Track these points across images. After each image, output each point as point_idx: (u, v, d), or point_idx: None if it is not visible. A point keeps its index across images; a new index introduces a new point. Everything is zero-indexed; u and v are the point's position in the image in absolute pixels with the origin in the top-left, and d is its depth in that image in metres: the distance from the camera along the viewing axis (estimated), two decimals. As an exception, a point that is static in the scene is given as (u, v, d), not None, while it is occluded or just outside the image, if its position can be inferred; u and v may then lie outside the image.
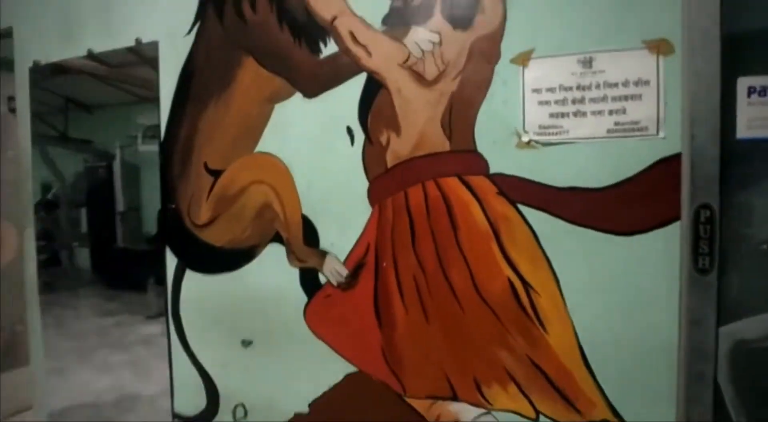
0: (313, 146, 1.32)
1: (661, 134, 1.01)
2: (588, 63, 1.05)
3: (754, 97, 0.90)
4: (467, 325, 1.19)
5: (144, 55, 1.62)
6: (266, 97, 1.37)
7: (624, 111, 1.03)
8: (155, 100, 1.55)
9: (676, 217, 0.99)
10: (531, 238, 1.12)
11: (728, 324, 0.96)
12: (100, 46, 1.60)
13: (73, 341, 2.53)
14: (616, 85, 1.04)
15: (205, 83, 1.46)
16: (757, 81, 0.89)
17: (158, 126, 2.07)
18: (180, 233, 1.53)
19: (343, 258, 1.31)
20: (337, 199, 1.30)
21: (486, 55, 1.13)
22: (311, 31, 1.30)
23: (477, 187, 1.16)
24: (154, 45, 1.53)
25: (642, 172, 1.02)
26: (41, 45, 1.72)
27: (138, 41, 1.55)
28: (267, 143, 1.38)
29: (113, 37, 1.57)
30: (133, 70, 1.69)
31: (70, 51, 1.66)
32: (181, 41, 1.48)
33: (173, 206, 1.54)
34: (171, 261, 1.57)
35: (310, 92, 1.32)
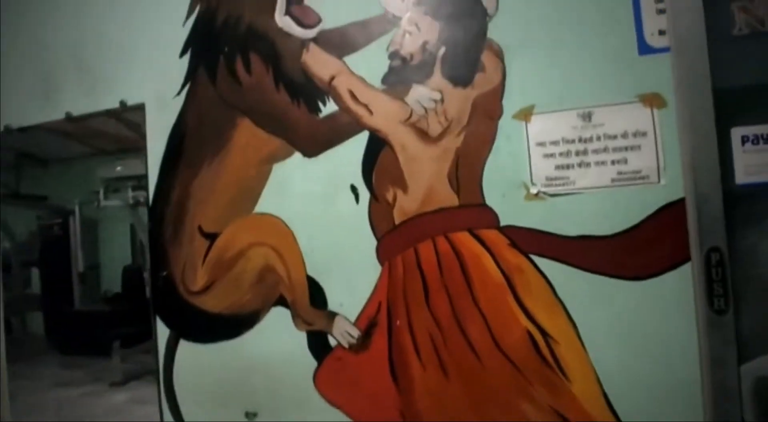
0: (315, 205, 1.32)
1: (663, 182, 1.07)
2: (587, 117, 1.11)
3: (748, 145, 0.97)
4: (488, 379, 1.18)
5: (121, 117, 1.59)
6: (264, 158, 1.37)
7: (625, 161, 1.09)
8: (142, 157, 1.52)
9: (686, 259, 1.04)
10: (546, 288, 1.13)
11: (748, 362, 0.99)
12: (80, 109, 1.56)
13: (29, 416, 2.31)
14: (615, 136, 1.10)
15: (197, 145, 1.44)
16: (750, 130, 0.96)
17: (122, 179, 1.99)
18: (173, 301, 1.47)
19: (353, 318, 1.28)
20: (343, 258, 1.29)
21: (488, 111, 1.18)
22: (309, 90, 1.32)
23: (488, 239, 1.18)
24: (140, 107, 1.51)
25: (648, 218, 1.07)
26: (14, 108, 1.66)
27: (122, 103, 1.52)
28: (266, 204, 1.37)
29: (95, 100, 1.53)
30: (95, 123, 1.65)
31: (46, 114, 1.61)
32: (170, 103, 1.46)
33: (165, 273, 1.48)
34: (162, 332, 1.49)
35: (311, 151, 1.32)
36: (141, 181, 1.80)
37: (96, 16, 1.52)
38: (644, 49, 1.08)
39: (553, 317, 1.13)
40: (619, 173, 1.09)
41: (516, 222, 1.16)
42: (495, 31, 1.17)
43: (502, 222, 1.16)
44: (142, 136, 1.53)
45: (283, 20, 1.34)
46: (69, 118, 1.59)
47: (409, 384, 1.23)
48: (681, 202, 1.04)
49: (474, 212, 1.19)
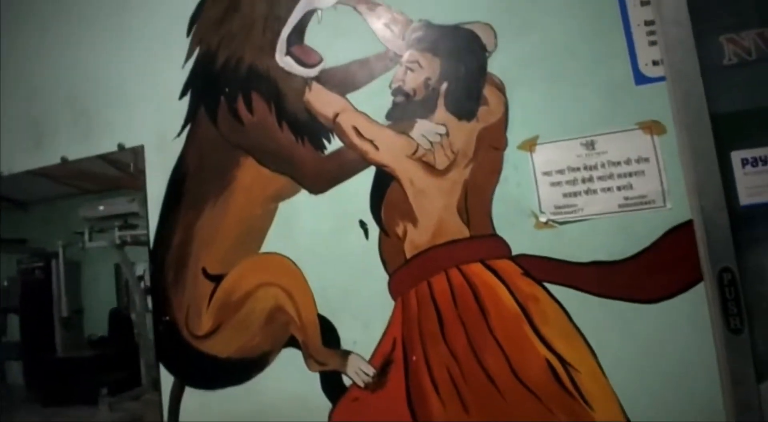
0: (324, 242, 1.32)
1: (668, 205, 1.11)
2: (591, 145, 1.16)
3: (748, 167, 1.02)
4: (510, 411, 1.17)
5: (115, 160, 1.59)
6: (269, 196, 1.37)
7: (631, 186, 1.13)
8: (128, 195, 1.51)
9: (696, 280, 1.07)
10: (562, 316, 1.15)
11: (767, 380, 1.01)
12: (76, 153, 1.55)
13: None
14: (619, 163, 1.14)
15: (199, 186, 1.44)
16: (749, 153, 1.02)
17: (108, 219, 1.98)
18: (177, 347, 1.43)
19: (367, 356, 1.27)
20: (355, 295, 1.29)
21: (494, 143, 1.21)
22: (313, 128, 1.34)
23: (501, 270, 1.19)
24: (139, 149, 1.51)
25: (657, 241, 1.11)
26: (6, 155, 1.64)
27: (121, 146, 1.52)
28: (273, 243, 1.37)
29: (91, 144, 1.53)
30: (79, 163, 1.64)
31: (41, 160, 1.59)
32: (170, 144, 1.47)
33: (167, 318, 1.45)
34: (166, 381, 1.45)
35: (317, 188, 1.33)
36: (128, 219, 1.79)
37: (92, 59, 1.54)
38: (640, 79, 1.14)
39: (571, 345, 1.14)
40: (626, 199, 1.13)
41: (527, 251, 1.18)
42: (495, 66, 1.22)
43: (514, 252, 1.19)
44: (130, 175, 1.52)
45: (284, 60, 1.38)
46: (64, 162, 1.58)
47: (429, 421, 1.22)
48: (688, 224, 1.08)
49: (485, 243, 1.21)
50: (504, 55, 1.22)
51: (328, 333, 1.30)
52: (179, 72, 1.47)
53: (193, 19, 1.47)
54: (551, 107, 1.18)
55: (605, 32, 1.16)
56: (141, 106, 1.49)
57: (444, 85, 1.25)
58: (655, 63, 1.14)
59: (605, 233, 1.14)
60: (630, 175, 1.13)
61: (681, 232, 1.09)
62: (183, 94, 1.46)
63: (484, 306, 1.20)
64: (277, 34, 1.38)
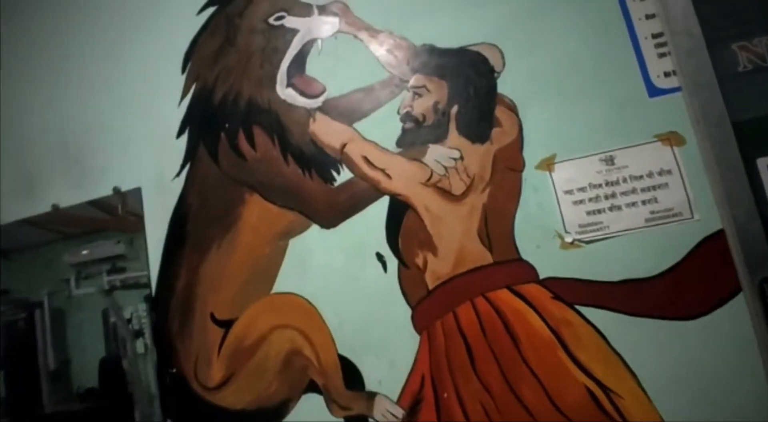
0: (340, 278, 1.27)
1: (696, 216, 1.09)
2: (610, 160, 1.14)
3: (776, 174, 1.01)
4: (551, 447, 1.12)
5: (101, 203, 1.53)
6: (279, 234, 1.32)
7: (656, 200, 1.11)
8: (115, 238, 1.45)
9: (733, 292, 1.05)
10: (598, 339, 1.11)
11: (819, 393, 0.98)
12: (70, 200, 1.49)
13: None
14: (641, 177, 1.13)
15: (203, 227, 1.39)
16: (775, 160, 1.01)
17: (95, 263, 1.91)
18: (186, 402, 1.35)
19: (395, 396, 1.21)
20: (377, 331, 1.23)
21: (510, 164, 1.19)
22: (321, 160, 1.31)
23: (530, 295, 1.15)
24: (136, 192, 1.45)
25: (689, 255, 1.08)
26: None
27: (116, 190, 1.46)
28: (285, 282, 1.31)
29: (85, 189, 1.47)
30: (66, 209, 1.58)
31: (33, 208, 1.53)
32: (169, 185, 1.42)
33: (174, 370, 1.37)
34: (176, 437, 1.36)
35: (329, 222, 1.29)
36: (116, 263, 1.73)
37: (84, 103, 1.50)
38: (653, 91, 1.14)
39: (610, 369, 1.10)
40: (652, 213, 1.11)
41: (555, 273, 1.14)
42: (505, 87, 1.21)
43: (541, 275, 1.15)
44: (117, 217, 1.47)
45: (285, 92, 1.35)
46: (56, 210, 1.51)
47: (465, 461, 1.16)
48: (718, 234, 1.06)
49: (511, 268, 1.17)
50: (513, 75, 1.21)
51: (351, 374, 1.24)
52: (176, 110, 1.43)
53: (188, 56, 1.44)
54: (566, 125, 1.17)
55: (613, 47, 1.16)
56: (137, 147, 1.45)
57: (454, 109, 1.23)
58: (666, 74, 1.14)
59: (634, 249, 1.11)
60: (654, 188, 1.12)
61: (712, 243, 1.07)
62: (180, 133, 1.42)
63: (515, 334, 1.15)
64: (277, 66, 1.36)
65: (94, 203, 1.58)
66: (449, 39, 1.25)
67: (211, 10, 1.43)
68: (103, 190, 1.45)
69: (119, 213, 1.52)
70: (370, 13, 1.31)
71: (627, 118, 1.14)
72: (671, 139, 1.12)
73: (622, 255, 1.12)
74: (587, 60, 1.18)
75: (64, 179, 1.48)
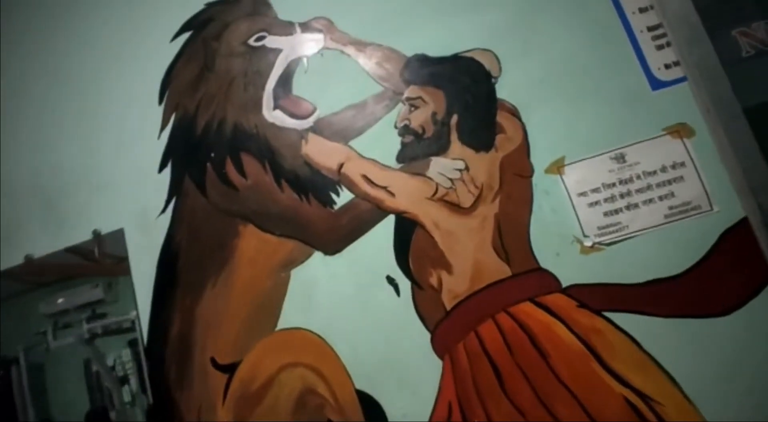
0: (349, 307, 1.20)
1: (716, 208, 1.06)
2: (621, 158, 1.11)
3: (793, 157, 0.99)
4: (594, 466, 1.05)
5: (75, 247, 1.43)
6: (279, 265, 1.24)
7: (672, 194, 1.08)
8: (93, 283, 1.34)
9: (765, 282, 1.01)
10: (630, 345, 1.06)
11: None
12: (47, 248, 1.38)
13: None
14: (655, 172, 1.10)
15: (195, 265, 1.30)
16: (791, 144, 0.99)
17: (74, 311, 1.79)
18: (191, 457, 1.24)
19: (422, 428, 1.13)
20: (395, 360, 1.16)
21: (518, 170, 1.15)
22: (318, 183, 1.24)
23: (554, 305, 1.10)
24: (118, 234, 1.35)
25: (713, 248, 1.05)
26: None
27: (96, 233, 1.36)
28: (290, 317, 1.23)
29: (63, 235, 1.37)
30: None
31: (3, 260, 1.41)
32: (154, 223, 1.33)
33: (175, 427, 1.26)
34: None
35: (332, 248, 1.22)
36: (95, 309, 1.62)
37: (55, 143, 1.40)
38: (656, 84, 1.12)
39: (647, 375, 1.05)
40: (670, 208, 1.08)
41: (578, 280, 1.10)
42: (504, 92, 1.18)
43: (564, 283, 1.10)
44: (93, 261, 1.37)
45: (273, 115, 1.29)
46: (29, 261, 1.40)
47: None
48: (740, 224, 1.04)
49: (531, 279, 1.12)
50: (511, 80, 1.18)
51: (372, 409, 1.15)
52: (156, 143, 1.35)
53: (164, 85, 1.37)
54: (572, 125, 1.14)
55: (609, 43, 1.14)
56: (116, 186, 1.36)
57: (454, 118, 1.19)
58: (667, 66, 1.12)
59: (656, 247, 1.07)
60: (669, 182, 1.09)
61: (736, 234, 1.04)
62: (163, 166, 1.34)
63: (543, 348, 1.09)
64: (261, 88, 1.30)
65: (69, 248, 1.48)
66: (441, 47, 1.22)
67: (185, 35, 1.37)
68: (82, 235, 1.35)
69: (96, 257, 1.42)
70: (356, 27, 1.27)
71: (633, 114, 1.12)
72: (680, 131, 1.09)
73: (645, 254, 1.08)
74: (585, 59, 1.15)
75: (39, 226, 1.38)
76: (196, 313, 1.27)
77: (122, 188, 1.35)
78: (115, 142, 1.37)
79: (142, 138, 1.35)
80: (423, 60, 1.22)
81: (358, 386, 1.17)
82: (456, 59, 1.21)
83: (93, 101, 1.39)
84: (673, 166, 1.09)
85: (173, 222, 1.32)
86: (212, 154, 1.31)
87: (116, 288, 1.47)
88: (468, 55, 1.20)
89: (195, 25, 1.36)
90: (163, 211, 1.33)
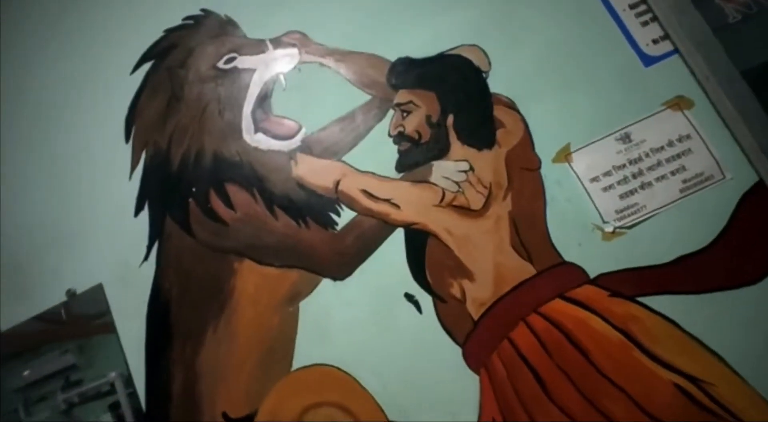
0: (369, 333, 1.11)
1: (728, 176, 1.05)
2: (627, 138, 1.09)
3: (797, 115, 1.00)
4: (654, 461, 1.00)
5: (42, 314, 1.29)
6: (285, 299, 1.15)
7: (684, 168, 1.07)
8: (63, 348, 1.21)
9: (791, 243, 1.01)
10: (669, 327, 1.02)
11: None
12: (17, 317, 1.23)
13: None
14: (662, 148, 1.08)
15: (190, 313, 1.18)
16: (792, 102, 1.00)
17: (47, 380, 1.61)
18: None
19: (467, 452, 1.05)
20: (428, 383, 1.08)
21: (525, 163, 1.11)
22: (315, 205, 1.16)
23: (585, 298, 1.05)
24: (96, 291, 1.22)
25: (733, 215, 1.03)
26: None
27: (70, 293, 1.22)
28: (305, 353, 1.13)
29: (35, 300, 1.22)
30: None
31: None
32: (137, 273, 1.21)
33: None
34: None
35: (341, 273, 1.14)
36: (69, 376, 1.47)
37: (18, 199, 1.25)
38: (648, 60, 1.11)
39: (692, 356, 1.01)
40: (684, 181, 1.06)
41: (605, 268, 1.06)
42: (497, 86, 1.14)
43: (591, 274, 1.06)
44: (62, 324, 1.24)
45: (255, 139, 1.20)
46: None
47: None
48: (755, 188, 1.03)
49: (556, 274, 1.07)
50: (503, 73, 1.14)
51: (410, 441, 1.07)
52: (127, 185, 1.23)
53: (129, 122, 1.26)
54: (571, 111, 1.11)
55: (595, 26, 1.13)
56: (90, 238, 1.23)
57: (450, 119, 1.14)
58: (655, 41, 1.12)
59: (678, 223, 1.05)
60: (678, 156, 1.07)
61: (753, 198, 1.03)
62: (139, 210, 1.23)
63: (582, 345, 1.04)
64: (238, 112, 1.21)
65: (34, 317, 1.33)
66: (425, 48, 1.17)
67: (147, 66, 1.27)
68: (55, 296, 1.21)
69: (63, 320, 1.28)
70: (332, 37, 1.21)
71: (630, 92, 1.10)
72: (679, 103, 1.09)
73: (668, 232, 1.05)
74: (574, 45, 1.14)
75: (10, 295, 1.22)
76: (199, 365, 1.15)
77: (97, 239, 1.22)
78: (83, 191, 1.24)
79: (112, 182, 1.23)
80: (408, 63, 1.18)
81: (392, 418, 1.08)
82: (442, 58, 1.17)
83: (53, 150, 1.26)
84: (680, 139, 1.08)
85: (159, 269, 1.20)
86: (193, 189, 1.20)
87: (89, 351, 1.33)
88: (454, 52, 1.17)
89: (156, 53, 1.27)
90: (146, 258, 1.21)
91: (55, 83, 1.28)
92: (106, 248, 1.22)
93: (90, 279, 1.22)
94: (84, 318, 1.32)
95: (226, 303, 1.16)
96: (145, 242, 1.21)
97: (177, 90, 1.24)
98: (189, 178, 1.21)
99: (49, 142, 1.27)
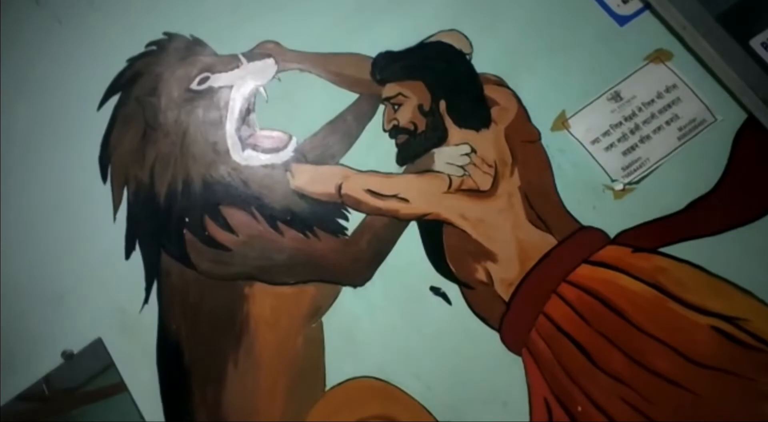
0: (401, 336, 1.07)
1: (719, 117, 1.10)
2: (617, 96, 1.12)
3: (771, 50, 1.05)
4: (711, 405, 1.00)
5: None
6: (305, 316, 1.09)
7: (677, 116, 1.11)
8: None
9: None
10: (697, 272, 1.04)
11: None
12: (10, 391, 1.11)
13: None
14: (652, 101, 1.12)
15: (204, 351, 1.10)
16: (764, 37, 1.05)
17: None
18: None
19: (524, 440, 1.02)
20: (471, 376, 1.04)
21: (525, 137, 1.12)
22: (320, 213, 1.12)
23: (610, 258, 1.06)
24: (95, 347, 1.12)
25: (733, 152, 1.07)
26: None
27: (67, 355, 1.12)
28: (337, 369, 1.07)
29: (24, 369, 1.10)
30: None
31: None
32: (138, 319, 1.12)
33: None
34: None
35: (360, 278, 1.10)
36: None
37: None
38: (621, 20, 1.16)
39: (723, 297, 1.03)
40: (680, 129, 1.10)
41: (622, 226, 1.07)
42: (483, 66, 1.15)
43: (611, 234, 1.07)
44: (44, 400, 1.15)
45: (244, 156, 1.16)
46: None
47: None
48: (747, 125, 1.08)
49: (578, 240, 1.07)
50: (486, 53, 1.15)
51: (465, 438, 1.03)
52: (112, 228, 1.15)
53: (104, 160, 1.19)
54: (559, 80, 1.14)
55: (564, -5, 1.18)
56: (80, 291, 1.13)
57: (442, 104, 1.14)
58: (624, 1, 1.17)
59: (682, 170, 1.08)
60: (669, 106, 1.11)
61: (748, 132, 1.07)
62: (129, 251, 1.15)
63: (617, 306, 1.04)
64: (222, 132, 1.17)
65: (15, 398, 1.21)
66: (404, 39, 1.17)
67: (114, 99, 1.21)
68: (49, 362, 1.10)
69: (47, 396, 1.18)
70: (308, 41, 1.19)
71: (611, 52, 1.14)
72: (660, 56, 1.13)
73: (675, 180, 1.08)
74: (549, 17, 1.16)
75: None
76: (226, 405, 1.07)
77: (87, 291, 1.12)
78: (65, 242, 1.15)
79: (95, 227, 1.15)
80: (390, 56, 1.17)
81: (441, 419, 1.04)
82: (423, 47, 1.17)
83: (27, 201, 1.17)
84: (667, 90, 1.12)
85: (162, 311, 1.12)
86: (186, 219, 1.14)
87: (98, 418, 1.22)
88: (433, 39, 1.17)
89: (121, 84, 1.21)
90: (146, 301, 1.13)
91: (18, 128, 1.19)
92: (100, 298, 1.13)
93: (86, 336, 1.12)
94: (68, 390, 1.22)
95: (243, 332, 1.10)
96: (141, 285, 1.13)
97: (151, 119, 1.18)
98: (179, 208, 1.15)
99: (23, 193, 1.17)
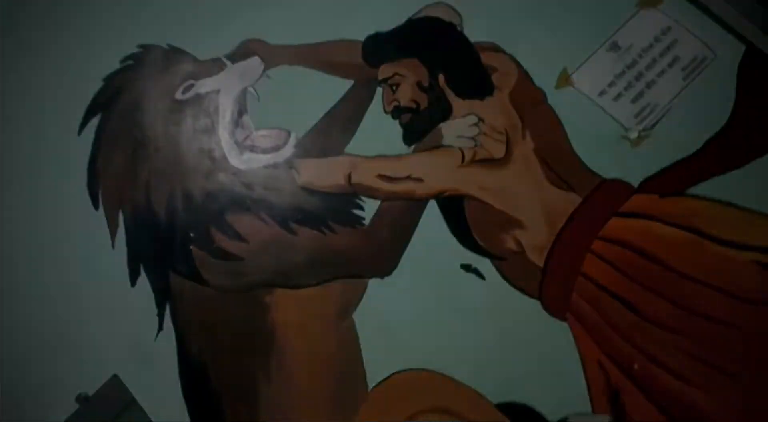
0: (438, 320, 1.03)
1: (719, 53, 1.10)
2: (615, 46, 1.12)
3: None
4: (762, 340, 0.98)
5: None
6: (334, 316, 1.04)
7: (678, 57, 1.11)
8: None
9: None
10: (728, 209, 1.03)
11: None
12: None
13: None
14: (651, 46, 1.11)
15: (232, 371, 1.04)
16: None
17: None
18: None
19: (588, 407, 0.98)
20: (518, 350, 1.01)
21: (531, 99, 1.10)
22: (333, 207, 1.08)
23: (639, 207, 1.04)
24: (113, 384, 1.04)
25: (739, 84, 1.07)
26: None
27: (83, 398, 1.03)
28: (378, 366, 1.02)
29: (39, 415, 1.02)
30: None
31: None
32: (155, 347, 1.05)
33: None
34: None
35: (386, 268, 1.05)
36: None
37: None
38: (608, -31, 1.16)
39: (759, 229, 1.02)
40: (683, 69, 1.10)
41: (645, 173, 1.06)
42: (475, 35, 1.13)
43: (635, 184, 1.05)
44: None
45: (243, 159, 1.11)
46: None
47: (692, 415, 0.96)
48: (747, 54, 1.08)
49: (603, 193, 1.05)
50: (477, 22, 1.14)
51: (525, 418, 0.98)
52: (112, 255, 1.08)
53: (92, 186, 1.12)
54: (554, 38, 1.13)
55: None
56: (85, 329, 1.05)
57: (441, 78, 1.11)
58: (608, -49, 1.17)
59: (693, 110, 1.08)
60: (668, 48, 1.11)
61: (749, 62, 1.08)
62: (134, 276, 1.08)
63: (654, 254, 1.02)
64: (216, 138, 1.12)
65: None
66: (390, 19, 1.15)
67: (95, 121, 1.15)
68: (65, 407, 1.01)
69: None
70: (292, 35, 1.16)
71: (601, 4, 1.14)
72: (650, 1, 1.13)
73: (687, 120, 1.08)
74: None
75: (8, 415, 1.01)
76: (260, 418, 1.01)
77: (95, 327, 1.05)
78: (63, 278, 1.07)
79: (94, 256, 1.08)
80: (379, 37, 1.14)
81: (497, 401, 0.99)
82: (412, 23, 1.15)
83: (18, 241, 1.09)
84: (663, 33, 1.12)
85: (180, 335, 1.05)
86: (192, 234, 1.08)
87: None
88: (421, 15, 1.15)
89: (101, 104, 1.15)
90: (160, 328, 1.06)
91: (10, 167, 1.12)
92: (110, 333, 1.05)
93: (101, 375, 1.04)
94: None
95: (270, 344, 1.03)
96: (153, 311, 1.06)
97: (138, 135, 1.12)
98: (182, 224, 1.09)
99: (11, 238, 1.10)
